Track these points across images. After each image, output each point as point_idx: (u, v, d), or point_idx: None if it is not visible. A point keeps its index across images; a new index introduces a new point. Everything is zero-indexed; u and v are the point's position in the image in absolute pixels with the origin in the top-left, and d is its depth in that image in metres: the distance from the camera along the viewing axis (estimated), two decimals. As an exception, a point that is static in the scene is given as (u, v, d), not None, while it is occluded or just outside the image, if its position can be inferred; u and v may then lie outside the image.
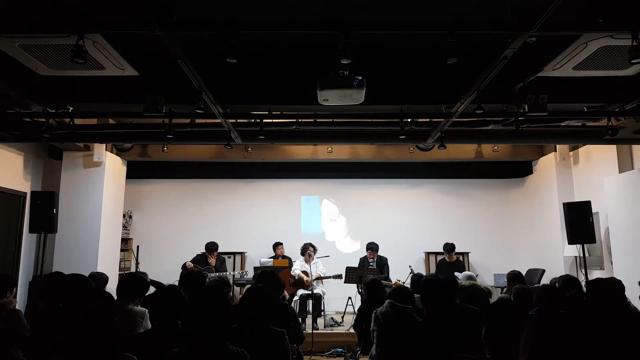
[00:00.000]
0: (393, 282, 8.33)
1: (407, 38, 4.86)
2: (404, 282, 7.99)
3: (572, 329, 2.14)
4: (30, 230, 7.28)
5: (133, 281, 4.16)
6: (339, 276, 8.31)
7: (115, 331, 3.23)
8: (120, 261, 9.38)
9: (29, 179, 8.31)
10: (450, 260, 9.04)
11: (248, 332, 3.18)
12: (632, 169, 7.44)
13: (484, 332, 2.71)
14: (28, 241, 8.22)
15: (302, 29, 4.33)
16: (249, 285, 4.70)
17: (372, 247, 8.90)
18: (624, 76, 5.49)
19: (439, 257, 9.52)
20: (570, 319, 3.01)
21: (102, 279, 5.26)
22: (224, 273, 8.30)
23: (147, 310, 3.84)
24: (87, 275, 4.62)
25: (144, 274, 5.41)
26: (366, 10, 4.16)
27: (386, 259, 8.88)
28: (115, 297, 3.92)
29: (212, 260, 8.58)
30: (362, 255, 9.08)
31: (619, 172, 7.53)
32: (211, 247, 8.62)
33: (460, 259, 9.43)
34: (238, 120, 6.61)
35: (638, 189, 6.89)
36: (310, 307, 8.18)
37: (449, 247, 9.01)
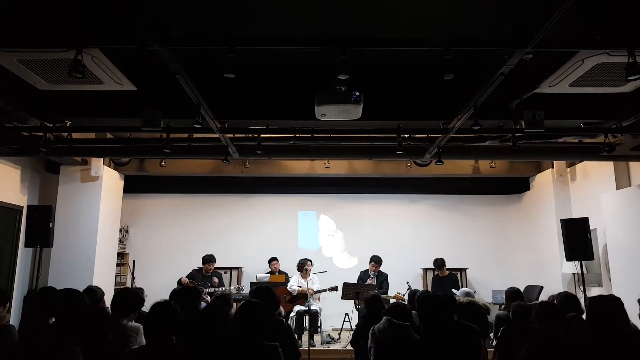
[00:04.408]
0: (393, 295, 8.29)
1: (405, 54, 4.89)
2: (403, 294, 7.95)
3: (571, 347, 2.12)
4: (26, 245, 7.23)
5: (127, 296, 4.12)
6: (334, 288, 8.26)
7: (107, 347, 3.20)
8: (116, 276, 9.31)
9: (26, 193, 8.28)
10: (442, 275, 9.07)
11: (241, 347, 3.14)
12: (630, 185, 7.45)
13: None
14: (24, 255, 8.17)
15: (300, 44, 4.35)
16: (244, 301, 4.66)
17: (376, 260, 8.89)
18: (621, 93, 5.52)
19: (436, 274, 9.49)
20: (569, 336, 2.98)
21: (100, 292, 5.19)
22: (223, 288, 8.25)
23: (141, 326, 3.80)
24: (85, 289, 4.60)
25: (140, 289, 5.36)
26: (363, 26, 4.18)
27: (386, 274, 8.85)
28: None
29: (210, 268, 8.48)
30: (362, 269, 9.08)
31: (617, 189, 7.54)
32: (208, 258, 8.51)
33: (453, 272, 9.38)
34: (236, 135, 6.62)
35: (635, 205, 6.89)
36: (306, 324, 8.11)
37: (439, 263, 9.07)
